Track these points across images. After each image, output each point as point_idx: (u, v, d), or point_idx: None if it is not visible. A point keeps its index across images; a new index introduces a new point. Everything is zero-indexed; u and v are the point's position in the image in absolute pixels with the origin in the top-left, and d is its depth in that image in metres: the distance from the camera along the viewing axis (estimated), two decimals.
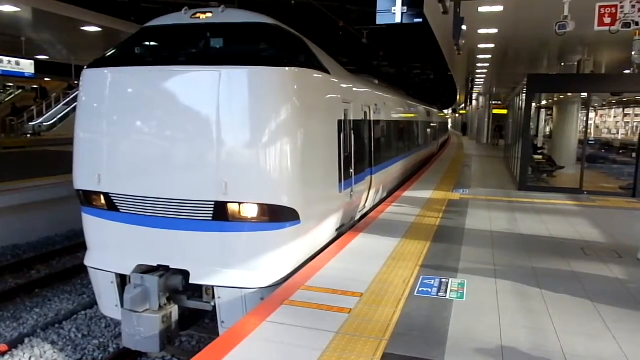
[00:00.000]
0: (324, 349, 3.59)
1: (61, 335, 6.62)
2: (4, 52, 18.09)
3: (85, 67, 5.73)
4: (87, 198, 5.70)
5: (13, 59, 18.57)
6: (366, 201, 8.51)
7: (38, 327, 6.76)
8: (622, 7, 6.53)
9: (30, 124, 26.38)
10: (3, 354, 6.10)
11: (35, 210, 10.43)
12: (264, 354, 3.56)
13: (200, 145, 5.14)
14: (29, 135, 24.92)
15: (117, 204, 5.49)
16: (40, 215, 10.56)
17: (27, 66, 18.87)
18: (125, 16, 14.77)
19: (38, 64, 19.84)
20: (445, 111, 54.98)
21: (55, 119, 27.05)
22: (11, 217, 9.97)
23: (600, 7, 6.76)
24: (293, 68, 5.39)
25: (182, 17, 5.93)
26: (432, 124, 21.91)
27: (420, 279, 5.12)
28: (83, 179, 5.67)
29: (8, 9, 12.41)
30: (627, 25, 6.47)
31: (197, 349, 6.14)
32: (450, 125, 53.84)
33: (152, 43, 6.24)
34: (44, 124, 26.70)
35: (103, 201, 5.57)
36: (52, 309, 7.49)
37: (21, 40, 17.53)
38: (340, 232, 7.06)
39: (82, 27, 14.56)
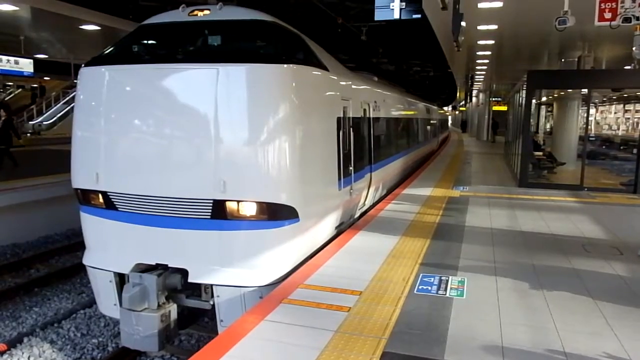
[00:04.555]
0: (323, 347, 3.56)
1: (60, 335, 6.60)
2: (3, 51, 18.06)
3: (83, 65, 5.70)
4: (86, 197, 5.68)
5: (12, 58, 18.54)
6: (366, 199, 8.48)
7: (37, 327, 6.75)
8: (622, 1, 6.48)
9: (30, 123, 26.36)
10: (2, 353, 6.09)
11: (34, 209, 10.41)
12: (263, 353, 3.54)
13: (198, 143, 5.11)
14: (28, 135, 24.89)
15: (115, 203, 5.47)
16: (40, 214, 10.54)
17: (26, 65, 18.85)
18: (123, 14, 14.74)
19: (37, 63, 19.82)
20: (445, 108, 54.93)
21: (54, 118, 27.02)
22: (10, 216, 9.95)
23: (601, 1, 6.70)
24: (291, 65, 5.35)
25: (179, 15, 5.89)
26: (431, 121, 21.86)
27: (420, 277, 5.09)
28: (81, 177, 5.64)
29: (7, 8, 12.37)
30: (627, 20, 6.42)
31: (196, 347, 6.12)
32: (450, 122, 53.78)
33: (150, 41, 6.20)
34: (44, 122, 26.68)
35: (101, 200, 5.54)
36: (51, 308, 7.48)
37: (20, 39, 17.51)
38: (340, 230, 7.04)
39: (81, 25, 14.53)
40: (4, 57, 18.10)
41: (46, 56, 22.75)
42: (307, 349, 3.54)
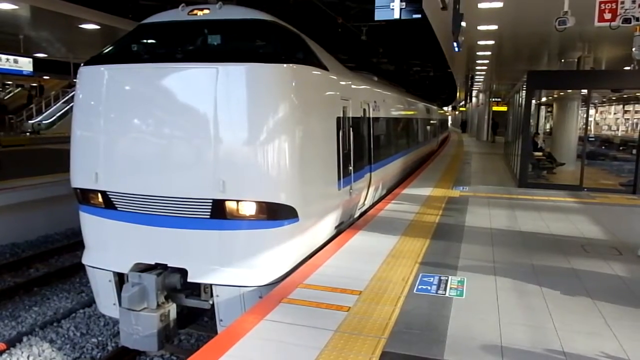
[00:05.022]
0: (322, 347, 3.57)
1: (60, 334, 6.60)
2: (2, 50, 18.03)
3: (82, 64, 5.70)
4: (85, 196, 5.67)
5: (11, 57, 18.52)
6: (365, 199, 8.48)
7: (37, 326, 6.74)
8: (622, 2, 6.49)
9: (29, 122, 26.35)
10: (2, 352, 6.08)
11: (33, 208, 10.40)
12: (262, 352, 3.54)
13: (197, 142, 5.11)
14: (28, 134, 24.88)
15: (114, 202, 5.46)
16: (39, 213, 10.53)
17: (25, 64, 18.83)
18: (123, 13, 14.73)
19: (36, 62, 19.80)
20: (445, 108, 54.94)
21: (54, 117, 27.01)
22: (10, 215, 9.94)
23: (601, 2, 6.71)
24: (291, 65, 5.34)
25: (179, 14, 5.88)
26: (431, 121, 21.87)
27: (420, 277, 5.09)
28: (80, 177, 5.63)
29: (6, 6, 12.36)
30: (627, 20, 6.43)
31: (195, 347, 6.12)
32: (450, 122, 53.80)
33: (149, 40, 6.19)
34: (43, 122, 26.67)
35: (100, 199, 5.53)
36: (50, 308, 7.48)
37: (19, 38, 17.50)
38: (340, 230, 7.04)
39: (80, 24, 14.52)
40: (3, 56, 18.07)
41: (45, 55, 22.73)
42: (307, 349, 3.54)
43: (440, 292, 4.70)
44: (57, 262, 9.46)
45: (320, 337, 3.72)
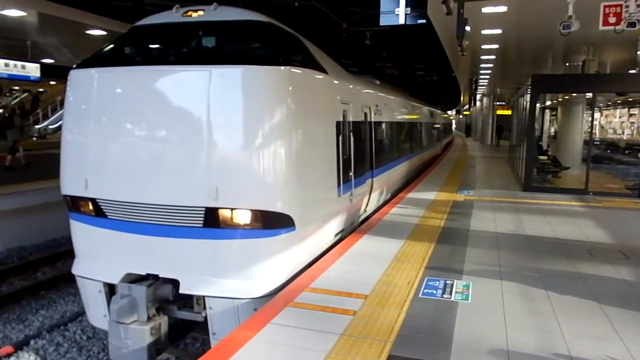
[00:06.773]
0: (328, 351, 3.58)
1: (66, 337, 6.64)
2: (9, 56, 18.21)
3: (73, 67, 5.51)
4: (75, 204, 5.45)
5: (19, 63, 18.69)
6: (367, 205, 8.35)
7: (43, 329, 6.79)
8: (626, 6, 6.51)
9: (36, 126, 26.58)
10: (9, 355, 6.13)
11: (40, 212, 10.47)
12: (268, 356, 3.55)
13: (190, 148, 4.88)
14: (34, 138, 25.09)
15: (104, 210, 5.26)
16: (46, 217, 10.59)
17: (32, 69, 19.00)
18: (129, 19, 14.85)
19: (44, 68, 19.97)
20: (449, 112, 54.91)
21: (60, 122, 27.20)
22: (17, 219, 10.02)
23: (605, 6, 6.73)
24: (288, 67, 5.17)
25: (173, 16, 5.72)
26: (435, 125, 21.83)
27: (425, 281, 5.10)
28: (70, 183, 5.41)
29: (14, 13, 12.50)
30: (632, 24, 6.45)
31: (201, 351, 6.13)
32: (454, 126, 53.73)
33: (142, 42, 5.97)
34: (50, 127, 26.90)
35: (90, 207, 5.31)
36: (57, 311, 7.52)
37: (27, 44, 17.67)
38: (340, 238, 6.89)
39: (87, 30, 14.66)
40: (11, 62, 18.25)
41: (52, 61, 22.92)
42: (313, 352, 3.56)
43: (445, 296, 4.70)
44: (64, 265, 9.51)
45: (326, 340, 3.73)
